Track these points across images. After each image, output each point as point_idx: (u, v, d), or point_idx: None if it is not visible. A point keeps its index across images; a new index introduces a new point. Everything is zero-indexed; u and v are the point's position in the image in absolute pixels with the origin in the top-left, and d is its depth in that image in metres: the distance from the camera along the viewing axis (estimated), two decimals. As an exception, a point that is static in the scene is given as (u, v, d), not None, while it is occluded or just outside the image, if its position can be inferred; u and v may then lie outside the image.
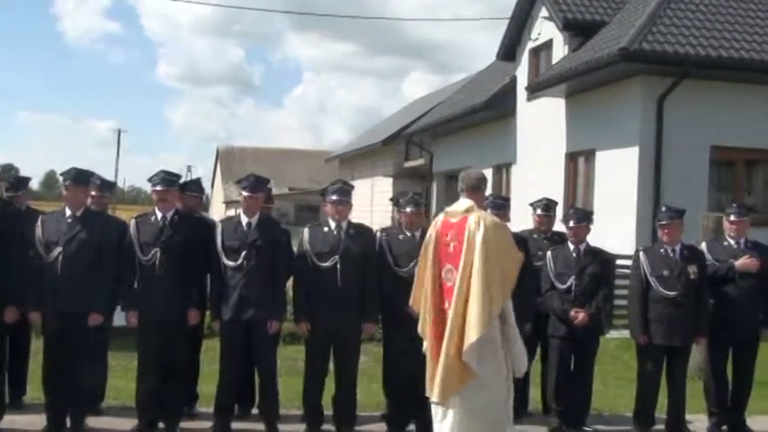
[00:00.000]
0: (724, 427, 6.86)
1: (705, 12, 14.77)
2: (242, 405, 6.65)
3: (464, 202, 5.37)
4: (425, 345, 5.36)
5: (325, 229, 6.29)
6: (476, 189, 5.48)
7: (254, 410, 6.61)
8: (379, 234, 6.57)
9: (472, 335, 4.97)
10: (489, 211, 6.22)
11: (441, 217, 5.46)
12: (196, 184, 7.00)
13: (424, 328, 5.33)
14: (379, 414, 6.71)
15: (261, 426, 6.23)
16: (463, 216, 5.25)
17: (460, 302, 5.05)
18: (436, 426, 5.28)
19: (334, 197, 6.27)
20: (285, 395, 6.87)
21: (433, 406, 5.27)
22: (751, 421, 7.01)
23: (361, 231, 6.40)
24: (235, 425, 6.29)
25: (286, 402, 6.82)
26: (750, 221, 7.12)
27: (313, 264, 6.17)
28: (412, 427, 6.45)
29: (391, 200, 6.85)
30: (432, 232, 5.39)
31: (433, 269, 5.29)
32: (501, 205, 6.82)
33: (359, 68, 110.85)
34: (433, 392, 5.14)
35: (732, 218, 6.97)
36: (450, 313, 5.08)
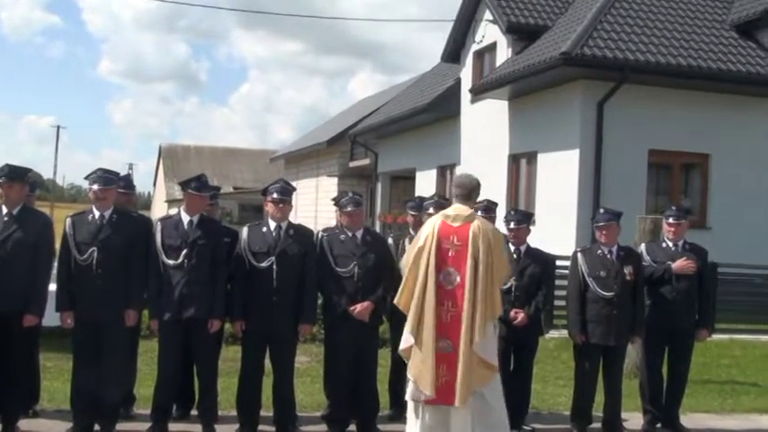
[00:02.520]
0: (658, 425, 7.01)
1: (644, 18, 15.12)
2: (180, 406, 6.56)
3: (463, 208, 5.59)
4: (405, 345, 5.51)
5: (264, 229, 6.24)
6: (468, 197, 5.70)
7: (194, 411, 6.52)
8: (320, 234, 6.55)
9: (478, 335, 5.29)
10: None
11: (438, 221, 5.56)
12: (126, 181, 6.84)
13: (414, 327, 5.44)
14: (320, 414, 6.68)
15: (199, 427, 6.15)
16: (466, 222, 5.49)
17: (474, 306, 5.32)
18: (431, 429, 5.44)
19: (274, 196, 6.22)
20: (225, 396, 6.81)
21: (414, 406, 5.50)
22: (685, 418, 7.19)
23: (301, 232, 6.36)
24: (172, 426, 6.19)
25: (226, 403, 6.75)
26: (688, 224, 7.29)
27: (250, 264, 6.12)
28: (352, 427, 6.45)
29: (333, 200, 6.83)
30: (429, 235, 5.48)
31: (429, 272, 5.41)
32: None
33: (306, 67, 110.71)
34: (457, 398, 5.30)
35: (671, 220, 7.12)
36: (463, 316, 5.33)
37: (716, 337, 11.85)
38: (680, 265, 6.89)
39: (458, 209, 5.59)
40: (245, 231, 6.29)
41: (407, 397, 5.60)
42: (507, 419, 5.66)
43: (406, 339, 5.53)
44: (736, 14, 15.73)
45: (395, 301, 5.67)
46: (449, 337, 5.39)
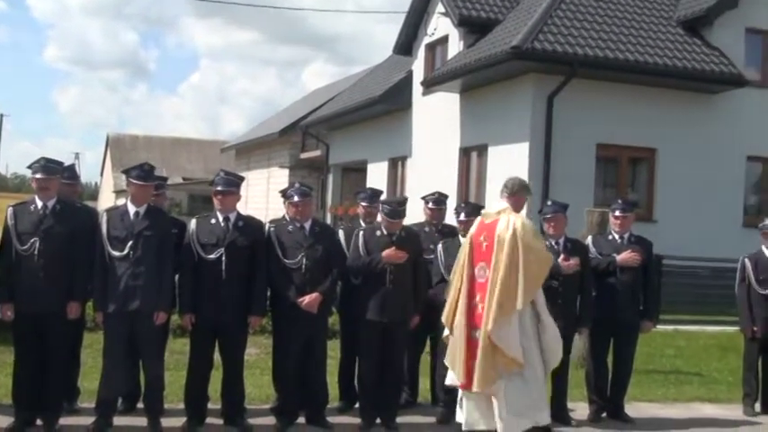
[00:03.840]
0: (604, 415, 7.11)
1: (594, 14, 15.30)
2: (126, 399, 6.45)
3: (498, 205, 5.97)
4: (446, 333, 5.98)
5: (213, 220, 6.16)
6: (514, 194, 6.05)
7: (140, 405, 6.42)
8: (267, 225, 6.49)
9: (490, 324, 5.60)
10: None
11: (478, 219, 6.05)
12: (70, 171, 6.69)
13: (449, 317, 5.91)
14: (269, 407, 6.64)
15: (144, 421, 6.06)
16: (495, 218, 5.86)
17: (492, 296, 5.63)
18: (471, 414, 5.80)
19: (219, 188, 6.15)
20: (173, 389, 6.72)
21: (464, 394, 5.83)
22: (629, 408, 7.31)
23: (250, 223, 6.30)
24: (117, 420, 6.09)
25: (173, 396, 6.67)
26: (634, 217, 7.41)
27: (198, 255, 6.04)
28: (302, 419, 6.43)
29: (281, 192, 6.77)
30: (471, 233, 5.97)
31: (467, 267, 5.85)
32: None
33: (260, 57, 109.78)
34: (474, 383, 5.64)
35: (617, 213, 7.22)
36: (484, 306, 5.65)
37: (661, 327, 12.10)
38: (624, 257, 7.00)
39: (493, 207, 6.02)
40: (193, 223, 6.20)
41: (447, 382, 6.02)
42: (546, 405, 5.94)
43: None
44: (682, 12, 16.01)
45: (445, 296, 6.03)
46: (480, 327, 5.71)
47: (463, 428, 5.92)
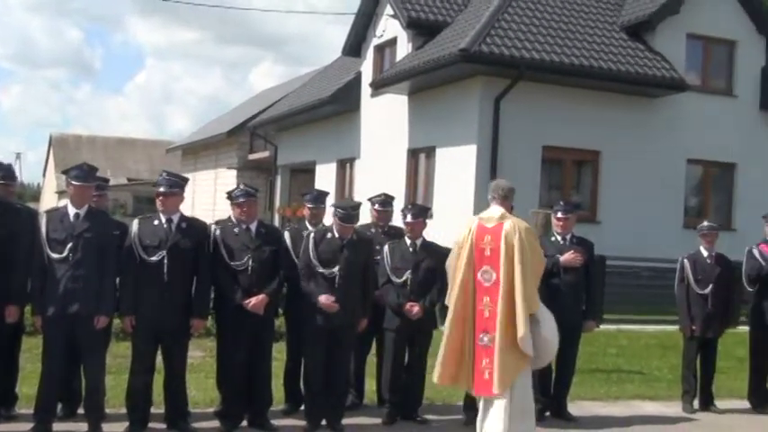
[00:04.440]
0: (547, 413, 7.20)
1: (540, 18, 15.50)
2: (66, 405, 6.33)
3: (496, 210, 6.00)
4: (446, 336, 5.92)
5: (156, 222, 6.08)
6: (505, 198, 6.09)
7: (80, 410, 6.30)
8: (213, 227, 6.43)
9: (521, 329, 5.67)
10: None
11: (475, 222, 6.01)
12: (6, 171, 6.53)
13: (453, 321, 5.89)
14: (213, 410, 6.57)
15: (85, 426, 5.95)
16: (499, 222, 5.90)
17: (507, 300, 5.71)
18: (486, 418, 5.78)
19: (161, 189, 6.07)
20: (115, 393, 6.62)
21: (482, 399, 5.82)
22: (573, 406, 7.43)
23: (194, 225, 6.23)
24: (57, 426, 5.97)
25: (115, 401, 6.56)
26: (576, 218, 7.52)
27: (140, 257, 5.96)
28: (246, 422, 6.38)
29: (227, 194, 6.71)
30: (466, 236, 5.93)
31: (467, 271, 5.86)
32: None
33: (206, 57, 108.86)
34: (495, 386, 5.67)
35: (559, 215, 7.32)
36: (498, 310, 5.73)
37: (604, 327, 12.31)
38: (567, 258, 7.10)
39: (492, 211, 6.03)
40: (135, 224, 6.10)
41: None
42: (534, 408, 6.03)
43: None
44: (626, 17, 16.32)
45: (446, 301, 6.02)
46: (488, 331, 5.77)
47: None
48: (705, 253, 7.93)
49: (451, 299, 5.93)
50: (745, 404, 8.11)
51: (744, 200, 16.40)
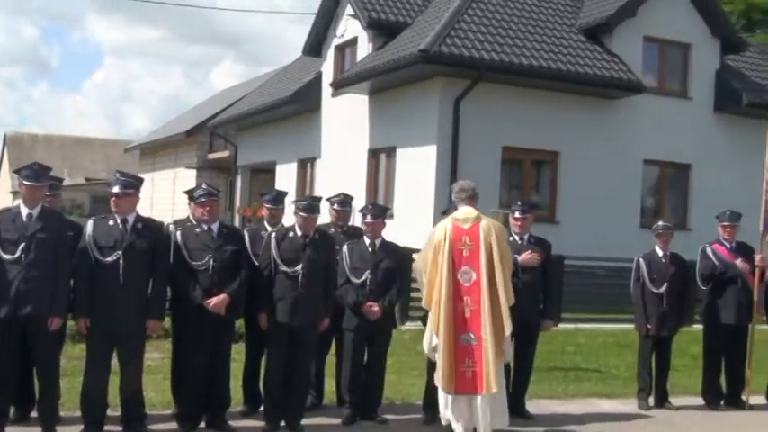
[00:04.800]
0: (506, 412, 7.25)
1: (499, 20, 15.61)
2: (19, 408, 6.21)
3: (469, 210, 6.20)
4: (436, 339, 6.02)
5: (111, 222, 6.00)
6: (473, 198, 6.30)
7: (34, 413, 6.19)
8: (171, 228, 6.38)
9: (507, 327, 6.02)
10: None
11: (449, 224, 6.15)
12: None
13: (437, 324, 6.00)
14: (170, 412, 6.51)
15: (39, 430, 5.85)
16: (475, 223, 6.10)
17: (490, 299, 5.96)
18: (459, 416, 6.04)
19: (114, 190, 6.00)
20: (70, 396, 6.52)
21: (450, 397, 6.05)
22: (530, 404, 7.49)
23: (150, 225, 6.16)
24: (10, 430, 5.87)
25: (70, 404, 6.46)
26: (534, 218, 7.58)
27: (95, 258, 5.88)
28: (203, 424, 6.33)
29: (186, 192, 6.66)
30: (443, 238, 6.07)
31: (447, 271, 5.98)
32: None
33: (166, 56, 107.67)
34: (490, 384, 5.92)
35: (516, 215, 7.37)
36: (482, 310, 5.95)
37: (562, 326, 12.43)
38: (525, 257, 7.15)
39: (465, 211, 6.20)
40: (89, 225, 6.02)
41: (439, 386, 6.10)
42: (506, 403, 6.28)
43: (427, 342, 6.15)
44: (584, 19, 16.51)
45: (422, 303, 6.15)
46: (471, 331, 5.96)
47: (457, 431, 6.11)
48: (660, 252, 8.06)
49: (436, 301, 6.03)
50: (699, 401, 8.26)
51: (699, 200, 16.69)
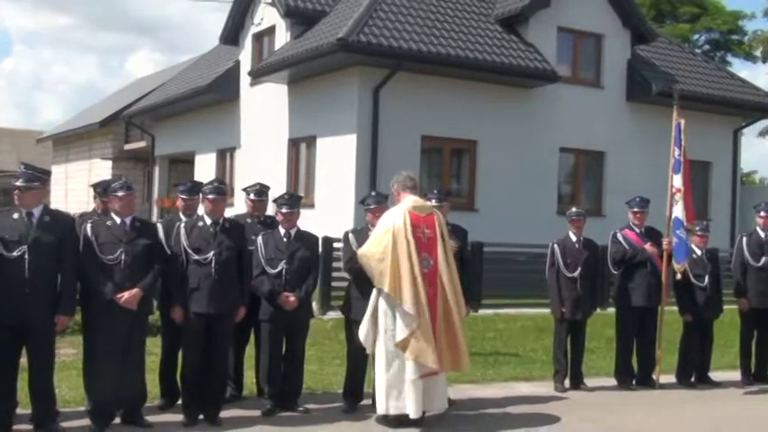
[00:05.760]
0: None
1: (417, 9, 15.69)
2: None
3: (421, 200, 6.63)
4: (414, 329, 6.20)
5: (15, 215, 5.79)
6: (414, 187, 6.68)
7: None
8: (81, 220, 6.20)
9: (462, 309, 6.59)
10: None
11: (406, 212, 6.37)
12: None
13: (415, 309, 6.18)
14: (84, 409, 6.35)
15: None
16: (431, 211, 6.54)
17: (450, 282, 6.37)
18: (420, 396, 6.27)
19: (18, 183, 5.80)
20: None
21: (416, 381, 6.26)
22: (450, 390, 7.48)
23: (57, 219, 5.98)
24: None
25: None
26: (450, 206, 7.66)
27: None
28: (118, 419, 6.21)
29: (93, 186, 6.48)
30: (401, 226, 6.27)
31: (409, 258, 6.22)
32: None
33: (80, 43, 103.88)
34: (465, 362, 6.53)
35: (433, 202, 7.40)
36: (445, 292, 6.33)
37: (482, 312, 12.67)
38: (442, 245, 7.22)
39: (418, 200, 6.58)
40: (-8, 219, 5.80)
41: (409, 377, 6.23)
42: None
43: (404, 328, 6.20)
44: (500, 9, 16.72)
45: (385, 289, 6.24)
46: (438, 314, 6.29)
47: (414, 415, 6.26)
48: (574, 238, 8.25)
49: (390, 285, 6.20)
50: (613, 381, 8.51)
51: (612, 187, 17.14)
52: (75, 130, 29.86)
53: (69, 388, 7.04)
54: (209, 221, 6.39)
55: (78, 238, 6.05)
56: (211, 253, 6.25)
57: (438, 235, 6.41)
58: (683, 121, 8.65)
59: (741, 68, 67.80)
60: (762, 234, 8.90)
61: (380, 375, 6.44)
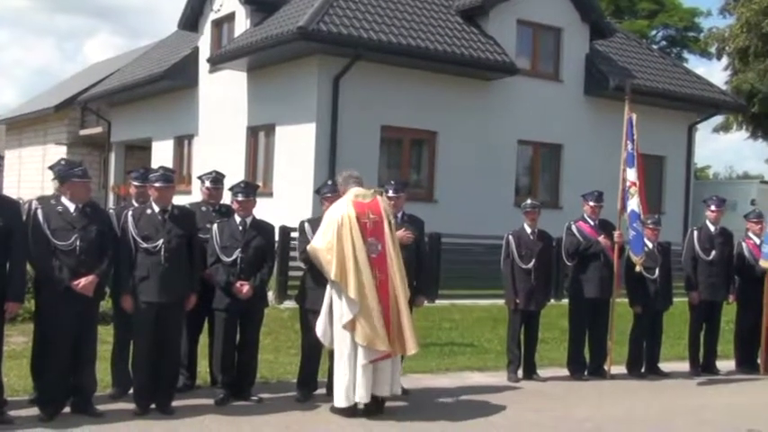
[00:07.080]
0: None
1: (378, -2, 15.62)
2: None
3: (361, 189, 6.63)
4: (356, 312, 6.27)
5: (-39, 202, 5.69)
6: (361, 184, 6.72)
7: None
8: (34, 204, 6.08)
9: (408, 294, 6.63)
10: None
11: (349, 202, 6.44)
12: None
13: (357, 296, 6.25)
14: (29, 398, 6.25)
15: None
16: (374, 198, 6.57)
17: (399, 266, 6.47)
18: (370, 379, 6.36)
19: None
20: None
21: (366, 366, 6.34)
22: (404, 380, 7.50)
23: (4, 205, 5.87)
24: None
25: None
26: (407, 197, 7.67)
27: None
28: (67, 409, 6.12)
29: (51, 168, 6.36)
30: (345, 214, 6.34)
31: (353, 246, 6.28)
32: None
33: (36, 26, 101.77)
34: (412, 346, 6.53)
35: (390, 193, 7.42)
36: (394, 278, 6.42)
37: (439, 302, 12.72)
38: (399, 235, 7.21)
39: (360, 190, 6.59)
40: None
41: (361, 362, 6.29)
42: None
43: (349, 312, 6.27)
44: (460, 1, 16.76)
45: (332, 277, 6.29)
46: (380, 299, 6.34)
47: (363, 400, 6.37)
48: (528, 229, 8.33)
49: (336, 272, 6.27)
50: (565, 372, 8.63)
51: (569, 179, 17.33)
52: (30, 114, 29.29)
53: (19, 377, 6.94)
54: (157, 209, 6.31)
55: (26, 223, 5.94)
56: (161, 241, 6.19)
57: (384, 218, 6.48)
58: (634, 116, 8.77)
59: (697, 65, 69.10)
60: (711, 228, 9.08)
61: (336, 365, 6.45)
